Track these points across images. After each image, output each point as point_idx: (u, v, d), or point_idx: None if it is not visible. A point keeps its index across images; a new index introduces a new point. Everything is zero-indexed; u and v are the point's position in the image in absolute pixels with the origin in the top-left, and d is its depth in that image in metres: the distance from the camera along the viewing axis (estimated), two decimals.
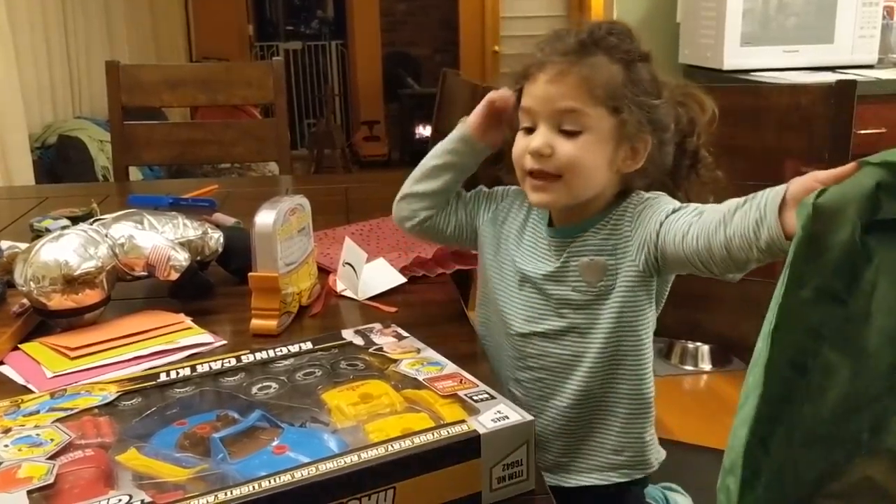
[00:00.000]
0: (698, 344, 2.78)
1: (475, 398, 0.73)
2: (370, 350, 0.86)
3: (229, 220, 1.57)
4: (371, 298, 1.16)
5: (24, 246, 1.17)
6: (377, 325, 0.94)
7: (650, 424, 1.02)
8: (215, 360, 0.86)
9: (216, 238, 1.20)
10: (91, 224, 1.11)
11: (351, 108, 7.48)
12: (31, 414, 0.77)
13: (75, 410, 0.76)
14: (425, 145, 1.34)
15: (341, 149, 6.27)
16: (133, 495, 0.61)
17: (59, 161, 3.29)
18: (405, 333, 0.91)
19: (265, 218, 1.03)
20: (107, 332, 1.06)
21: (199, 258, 1.18)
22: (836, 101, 1.20)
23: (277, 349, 0.88)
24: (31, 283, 1.02)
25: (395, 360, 0.82)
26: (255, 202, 1.08)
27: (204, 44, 6.11)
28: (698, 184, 1.01)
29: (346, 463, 0.63)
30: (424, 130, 6.37)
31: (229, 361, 0.85)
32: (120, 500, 0.60)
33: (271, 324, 1.04)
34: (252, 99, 2.47)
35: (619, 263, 0.95)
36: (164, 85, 2.29)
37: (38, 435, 0.72)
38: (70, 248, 1.04)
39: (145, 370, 0.89)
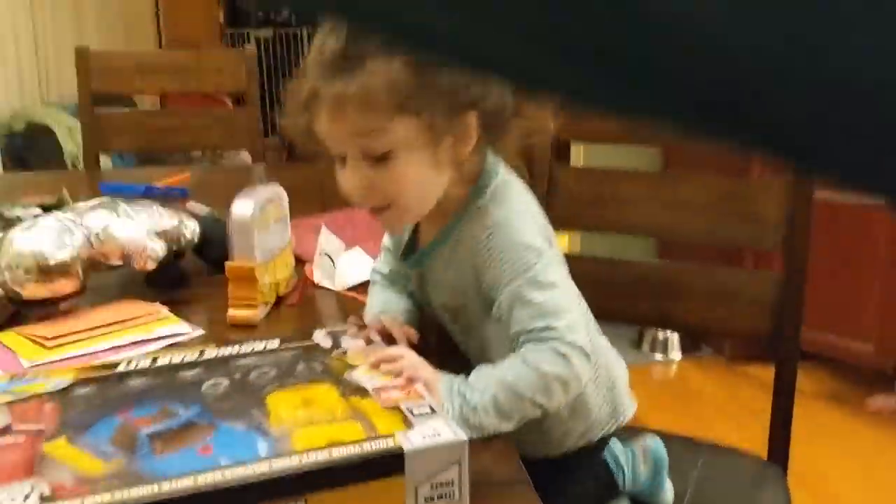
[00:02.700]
0: (668, 332, 2.82)
1: (415, 412, 0.69)
2: (333, 353, 0.83)
3: (203, 209, 1.56)
4: (349, 289, 1.17)
5: None
6: (351, 328, 0.90)
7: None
8: (177, 354, 0.84)
9: (192, 228, 1.20)
10: (66, 213, 1.10)
11: None
12: None
13: (26, 395, 0.76)
14: None
15: None
16: (35, 486, 0.60)
17: (26, 148, 3.24)
18: (377, 338, 0.87)
19: (242, 207, 1.03)
20: (83, 322, 1.05)
21: (175, 248, 1.17)
22: None
23: (243, 345, 0.86)
24: (6, 272, 1.01)
25: (353, 367, 0.79)
26: (228, 191, 1.08)
27: (174, 29, 6.03)
28: (534, 112, 0.91)
29: (254, 471, 0.61)
30: None
31: (192, 355, 0.84)
32: (22, 489, 0.60)
33: (249, 313, 1.04)
34: (224, 87, 2.45)
35: (466, 286, 0.91)
36: (135, 71, 2.27)
37: None
38: (45, 236, 1.03)
39: (107, 361, 0.87)
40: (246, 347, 0.85)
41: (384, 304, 1.00)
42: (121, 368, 0.81)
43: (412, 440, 0.65)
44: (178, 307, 1.11)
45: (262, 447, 0.65)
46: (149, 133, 2.28)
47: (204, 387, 0.76)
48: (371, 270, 1.07)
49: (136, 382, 0.78)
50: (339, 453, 0.63)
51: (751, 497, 1.21)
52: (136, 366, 0.81)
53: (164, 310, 1.10)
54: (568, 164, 2.41)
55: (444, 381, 0.80)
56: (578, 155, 3.00)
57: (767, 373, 1.21)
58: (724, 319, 1.33)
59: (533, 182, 1.39)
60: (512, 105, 0.87)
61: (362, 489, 0.63)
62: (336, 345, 0.85)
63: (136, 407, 0.72)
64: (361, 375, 0.77)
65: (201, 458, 0.63)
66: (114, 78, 2.23)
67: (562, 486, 1.02)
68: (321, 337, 0.87)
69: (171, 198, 1.72)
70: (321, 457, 0.63)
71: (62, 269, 1.02)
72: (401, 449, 0.64)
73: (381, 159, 0.82)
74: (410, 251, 0.98)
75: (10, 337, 1.02)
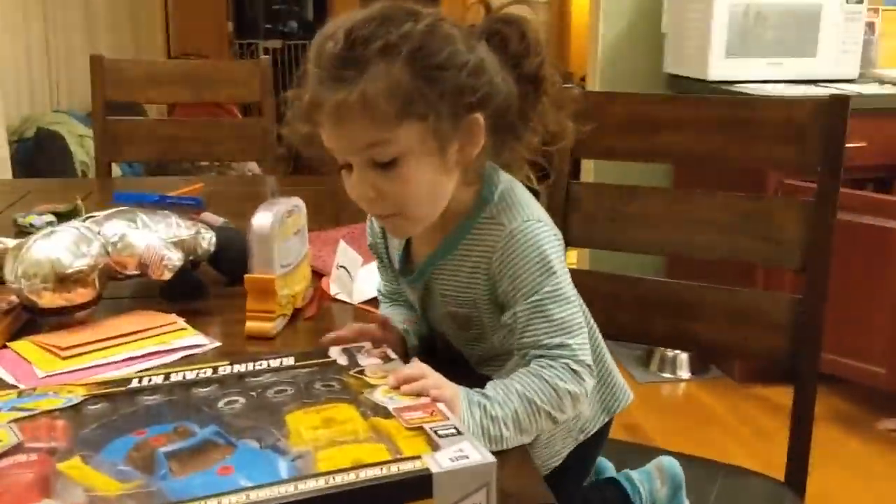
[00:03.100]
0: (677, 352, 2.80)
1: (440, 433, 0.68)
2: (351, 371, 0.81)
3: (218, 220, 1.55)
4: (365, 302, 1.16)
5: (8, 241, 1.15)
6: (367, 345, 0.88)
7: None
8: (191, 370, 0.83)
9: (209, 238, 1.19)
10: (83, 221, 1.09)
11: None
12: None
13: (36, 412, 0.74)
14: None
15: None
16: None
17: (36, 155, 3.24)
18: (393, 355, 0.85)
19: (263, 219, 1.02)
20: (99, 332, 1.04)
21: (191, 258, 1.16)
22: (830, 115, 1.21)
23: (258, 363, 0.84)
24: (23, 279, 1.00)
25: (372, 386, 0.77)
26: (241, 202, 1.07)
27: (183, 40, 6.05)
28: (552, 109, 0.88)
29: (280, 493, 0.59)
30: None
31: (205, 372, 0.82)
32: None
33: (267, 326, 1.03)
34: (238, 98, 2.45)
35: (478, 295, 0.90)
36: (148, 81, 2.26)
37: None
38: (63, 245, 1.02)
39: (118, 376, 0.86)
40: (261, 364, 0.83)
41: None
42: (133, 385, 0.80)
43: (440, 462, 0.63)
44: (194, 318, 1.10)
45: (283, 468, 0.63)
46: (162, 142, 2.27)
47: (220, 405, 0.74)
48: (365, 288, 1.07)
49: (149, 399, 0.76)
50: (365, 475, 0.61)
51: None
52: (149, 382, 0.80)
53: (181, 321, 1.09)
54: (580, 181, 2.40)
55: (462, 394, 0.80)
56: (589, 172, 2.99)
57: (777, 394, 1.20)
58: (741, 340, 1.31)
59: (550, 196, 1.39)
60: (518, 106, 0.85)
61: None
62: (353, 362, 0.83)
63: (150, 425, 0.71)
64: (382, 395, 0.75)
65: (222, 479, 0.62)
66: (127, 87, 2.23)
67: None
68: (337, 353, 0.85)
69: (184, 208, 1.72)
70: (347, 478, 0.61)
71: (79, 278, 1.02)
72: (428, 471, 0.62)
73: (388, 166, 0.80)
74: (405, 266, 0.97)
75: (25, 346, 1.01)
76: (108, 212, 1.12)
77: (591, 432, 1.02)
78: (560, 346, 0.84)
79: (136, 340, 1.03)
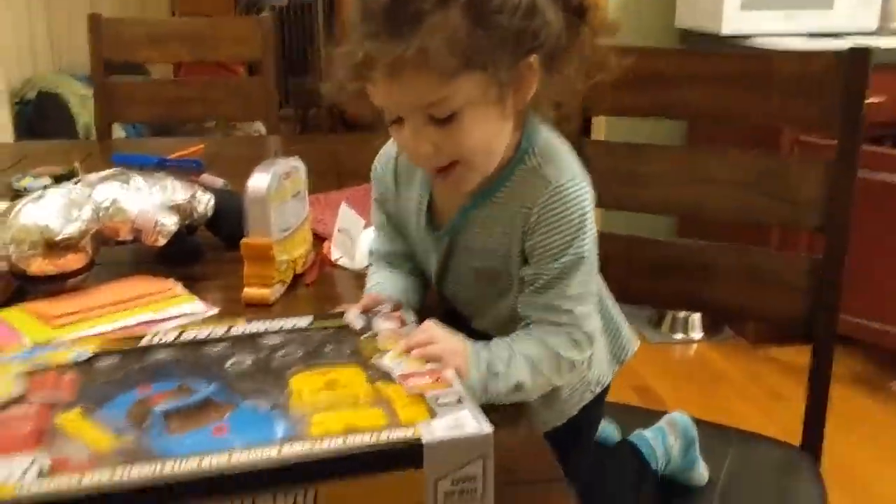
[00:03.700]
0: (689, 312, 2.76)
1: (440, 401, 0.65)
2: (364, 336, 0.79)
3: (217, 182, 1.51)
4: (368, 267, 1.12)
5: (2, 206, 1.12)
6: (385, 307, 0.86)
7: None
8: (204, 328, 0.81)
9: (206, 201, 1.15)
10: (75, 184, 1.05)
11: None
12: (4, 363, 0.74)
13: (45, 365, 0.73)
14: None
15: (328, 108, 6.17)
16: (36, 460, 0.58)
17: (38, 117, 3.20)
18: (412, 318, 0.83)
19: (258, 182, 0.98)
20: (91, 299, 1.01)
21: (187, 222, 1.13)
22: (850, 68, 1.16)
23: (272, 322, 0.82)
24: (11, 246, 0.97)
25: (382, 351, 0.75)
26: (243, 163, 1.04)
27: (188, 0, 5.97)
28: (592, 38, 0.83)
29: (261, 456, 0.58)
30: None
31: (218, 331, 0.80)
32: (21, 463, 0.57)
33: (265, 292, 1.00)
34: (239, 56, 2.40)
35: (509, 247, 0.86)
36: (148, 40, 2.21)
37: None
38: (52, 210, 0.99)
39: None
40: (274, 325, 0.81)
41: (379, 286, 0.95)
42: (145, 341, 0.78)
43: (433, 431, 0.61)
44: (193, 283, 1.07)
45: (280, 429, 0.61)
46: (162, 103, 2.23)
47: (227, 364, 0.73)
48: (368, 252, 1.03)
49: (159, 356, 0.75)
50: (353, 441, 0.59)
51: (784, 486, 1.17)
52: (161, 339, 0.79)
53: (179, 286, 1.06)
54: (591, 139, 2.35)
55: (471, 350, 0.80)
56: (600, 129, 2.93)
57: (791, 355, 1.17)
58: (756, 303, 1.27)
59: None
60: (563, 33, 0.79)
61: (378, 480, 0.59)
62: (368, 326, 0.81)
63: (156, 382, 0.70)
64: (390, 360, 0.73)
65: (213, 440, 0.60)
66: (126, 46, 2.18)
67: (597, 477, 0.99)
68: (353, 317, 0.83)
69: (184, 170, 1.68)
70: (334, 444, 0.59)
71: (69, 245, 0.98)
72: (420, 440, 0.60)
73: (447, 120, 0.76)
74: (430, 220, 0.92)
75: (14, 313, 0.98)
76: (100, 174, 1.09)
77: (606, 383, 1.00)
78: (569, 312, 0.84)
79: (129, 308, 1.00)
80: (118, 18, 2.26)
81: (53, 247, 0.97)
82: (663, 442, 1.08)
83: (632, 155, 1.33)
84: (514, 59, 0.76)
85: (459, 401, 0.65)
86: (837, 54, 1.17)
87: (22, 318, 0.97)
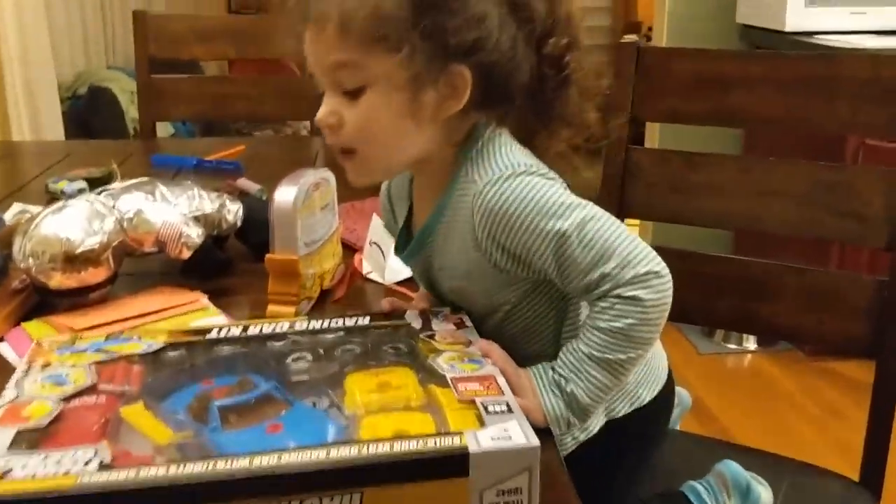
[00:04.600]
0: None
1: (490, 409, 0.65)
2: (422, 335, 0.78)
3: (254, 187, 1.48)
4: (400, 283, 1.07)
5: (33, 209, 1.10)
6: (445, 310, 0.84)
7: None
8: (269, 323, 0.82)
9: (234, 211, 1.11)
10: (99, 194, 1.02)
11: None
12: (79, 352, 0.76)
13: (118, 355, 0.75)
14: None
15: None
16: (98, 451, 0.59)
17: (89, 112, 3.22)
18: (469, 322, 0.82)
19: (285, 195, 0.94)
20: (115, 312, 0.98)
21: (215, 232, 1.09)
22: None
23: (334, 320, 0.82)
24: (30, 258, 0.94)
25: (438, 351, 0.75)
26: (283, 166, 1.00)
27: None
28: (577, 99, 0.80)
29: (311, 458, 0.58)
30: None
31: (282, 326, 0.81)
32: (85, 454, 0.59)
33: (289, 310, 0.95)
34: (288, 53, 2.34)
35: (471, 265, 0.80)
36: (194, 36, 2.19)
37: (66, 375, 0.72)
38: (73, 221, 0.95)
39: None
40: (336, 322, 0.82)
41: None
42: (212, 335, 0.80)
43: (480, 441, 0.60)
44: (218, 297, 1.03)
45: (332, 430, 0.62)
46: (207, 101, 2.21)
47: (288, 360, 0.74)
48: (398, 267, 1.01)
49: (224, 350, 0.77)
50: (400, 448, 0.59)
51: None
52: (228, 333, 0.80)
53: (204, 298, 1.02)
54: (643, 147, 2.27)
55: (533, 375, 0.76)
56: (652, 137, 2.83)
57: (851, 370, 1.08)
58: (816, 325, 1.19)
59: (606, 163, 1.27)
60: (520, 66, 0.77)
61: (424, 487, 0.60)
62: (426, 326, 0.81)
63: (218, 376, 0.71)
64: (443, 363, 0.73)
65: (269, 437, 0.61)
66: (172, 43, 2.15)
67: None
68: (413, 316, 0.83)
69: (223, 172, 1.65)
70: (382, 450, 0.59)
71: (90, 258, 0.95)
72: (466, 450, 0.59)
73: (353, 94, 0.75)
74: (403, 242, 0.88)
75: (36, 326, 0.95)
76: (125, 183, 1.05)
77: (646, 401, 0.90)
78: (600, 279, 0.74)
79: (153, 322, 0.96)
80: (165, 15, 2.25)
81: (73, 260, 0.94)
82: (716, 497, 1.00)
83: (686, 164, 1.25)
84: (438, 56, 0.73)
85: (509, 409, 0.65)
86: None
87: (45, 331, 0.94)
